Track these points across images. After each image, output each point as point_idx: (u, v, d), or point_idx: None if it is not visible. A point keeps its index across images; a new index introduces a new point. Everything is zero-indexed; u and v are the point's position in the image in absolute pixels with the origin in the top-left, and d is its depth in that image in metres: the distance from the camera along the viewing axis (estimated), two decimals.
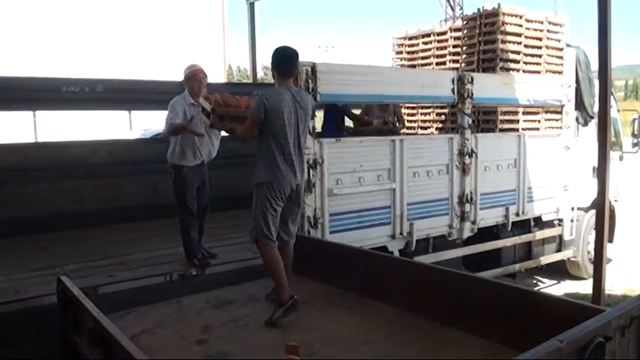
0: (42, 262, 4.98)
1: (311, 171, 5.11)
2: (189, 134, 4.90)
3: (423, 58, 8.06)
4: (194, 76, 5.00)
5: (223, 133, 5.15)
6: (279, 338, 3.54)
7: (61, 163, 6.38)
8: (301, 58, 4.33)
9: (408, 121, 8.17)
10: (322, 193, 5.24)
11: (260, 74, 14.46)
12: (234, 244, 5.37)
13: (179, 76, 5.29)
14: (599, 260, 5.20)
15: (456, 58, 7.54)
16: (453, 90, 6.15)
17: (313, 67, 5.05)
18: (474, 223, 6.50)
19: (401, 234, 5.85)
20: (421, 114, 8.24)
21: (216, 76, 13.68)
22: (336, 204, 5.36)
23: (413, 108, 8.29)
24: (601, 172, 5.11)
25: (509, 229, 6.90)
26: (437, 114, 7.96)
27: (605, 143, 5.05)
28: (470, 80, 6.20)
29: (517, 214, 6.93)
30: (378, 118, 6.89)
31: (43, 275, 4.55)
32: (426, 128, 8.14)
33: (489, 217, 6.68)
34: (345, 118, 7.09)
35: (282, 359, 2.17)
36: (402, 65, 8.26)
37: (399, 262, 4.58)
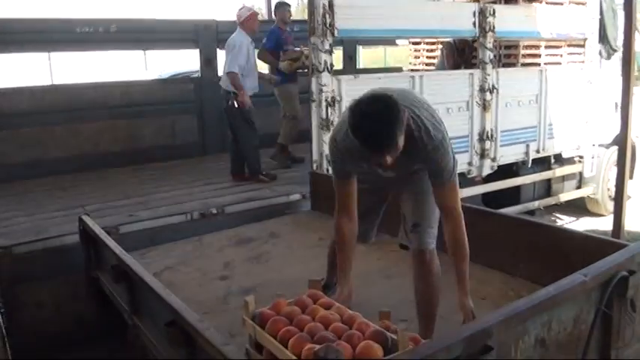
0: (63, 202, 5.05)
1: (329, 109, 5.04)
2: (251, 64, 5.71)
3: None
4: (253, 17, 5.73)
5: None
6: (300, 274, 3.57)
7: (79, 105, 6.36)
8: None
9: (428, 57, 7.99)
10: None
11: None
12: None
13: (191, 16, 5.35)
14: (619, 196, 5.14)
15: None
16: (474, 23, 5.94)
17: (330, 1, 4.89)
18: (493, 160, 6.41)
19: None
20: (426, 50, 8.09)
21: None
22: None
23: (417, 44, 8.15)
24: (624, 106, 4.97)
25: (529, 166, 6.81)
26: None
27: (629, 77, 4.89)
28: (492, 13, 5.98)
29: (537, 151, 6.82)
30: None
31: (65, 215, 4.62)
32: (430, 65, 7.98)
33: (509, 155, 6.58)
34: None
35: (305, 292, 2.19)
36: None
37: None
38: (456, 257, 2.45)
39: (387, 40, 9.66)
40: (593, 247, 2.96)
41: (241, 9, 5.83)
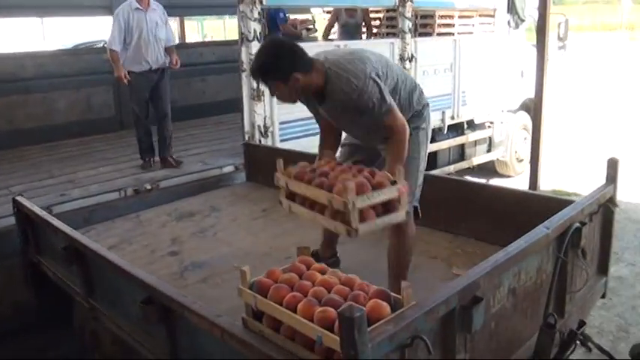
0: None
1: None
2: (137, 40, 4.93)
3: None
4: None
5: None
6: (252, 246, 3.60)
7: None
8: None
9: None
10: (271, 102, 5.17)
11: None
12: (188, 155, 5.27)
13: None
14: (534, 157, 5.52)
15: None
16: None
17: None
18: None
19: None
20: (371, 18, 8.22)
21: None
22: (284, 112, 5.30)
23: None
24: (539, 70, 5.31)
25: (445, 132, 7.12)
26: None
27: (543, 45, 5.25)
28: None
29: (452, 118, 7.14)
30: (345, 23, 7.13)
31: None
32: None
33: None
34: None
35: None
36: None
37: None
38: (389, 143, 2.61)
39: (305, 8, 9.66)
40: (532, 203, 3.20)
41: None
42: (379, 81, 2.57)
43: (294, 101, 2.78)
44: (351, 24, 7.32)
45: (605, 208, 2.71)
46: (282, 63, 2.53)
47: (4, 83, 5.96)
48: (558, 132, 10.35)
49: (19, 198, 3.58)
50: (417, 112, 2.87)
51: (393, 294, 1.73)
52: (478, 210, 3.46)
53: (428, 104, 3.02)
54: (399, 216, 2.37)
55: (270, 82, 2.63)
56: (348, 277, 1.87)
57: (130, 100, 5.24)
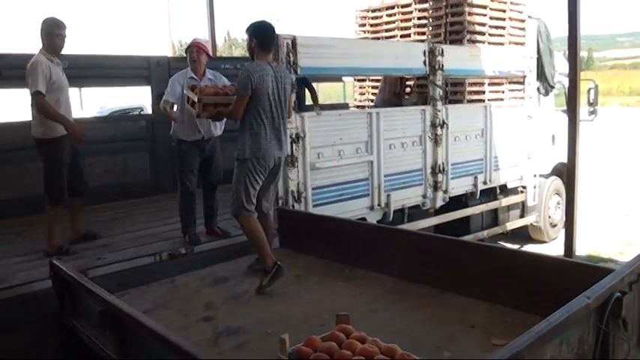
0: (21, 247, 4.81)
1: (294, 145, 5.11)
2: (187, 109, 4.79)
3: (387, 30, 8.09)
4: (187, 49, 5.09)
5: None
6: (285, 312, 3.58)
7: (29, 143, 6.11)
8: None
9: (373, 94, 8.27)
10: (305, 167, 5.25)
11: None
12: (221, 220, 5.30)
13: (124, 51, 5.25)
14: (570, 222, 5.44)
15: (420, 30, 7.62)
16: (424, 62, 6.23)
17: (294, 40, 5.01)
18: (445, 192, 6.65)
19: (379, 205, 5.94)
20: (371, 87, 8.55)
21: (162, 50, 13.35)
22: (318, 177, 5.38)
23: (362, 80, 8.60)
24: (571, 136, 5.31)
25: (478, 197, 7.10)
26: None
27: (575, 110, 5.26)
28: (440, 52, 6.29)
29: (485, 183, 7.12)
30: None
31: (27, 261, 4.42)
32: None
33: (460, 186, 6.85)
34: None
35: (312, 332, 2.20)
36: (365, 38, 8.29)
37: (390, 231, 4.64)
38: None
39: (338, 77, 9.94)
40: (569, 271, 3.14)
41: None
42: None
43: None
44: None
45: None
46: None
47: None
48: (590, 197, 10.23)
49: (55, 261, 3.64)
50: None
51: None
52: (515, 278, 3.39)
53: None
54: None
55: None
56: (388, 347, 1.85)
57: (177, 171, 5.06)
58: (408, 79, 7.52)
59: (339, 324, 2.06)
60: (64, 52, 4.75)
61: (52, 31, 4.61)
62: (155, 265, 4.42)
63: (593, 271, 2.94)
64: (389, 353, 1.80)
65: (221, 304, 3.75)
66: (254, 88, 4.03)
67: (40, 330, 3.69)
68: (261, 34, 4.20)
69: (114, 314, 2.87)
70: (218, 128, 5.07)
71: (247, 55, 4.42)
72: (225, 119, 4.78)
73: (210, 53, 5.18)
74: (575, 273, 3.05)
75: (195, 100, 4.49)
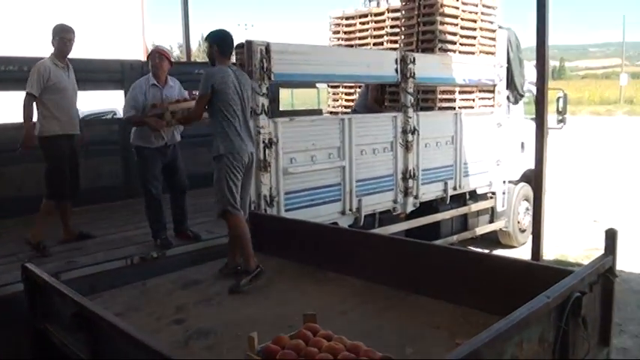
0: None
1: (267, 150, 5.17)
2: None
3: (360, 38, 8.22)
4: (149, 55, 5.18)
5: None
6: (256, 314, 3.62)
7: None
8: None
9: (347, 100, 8.40)
10: (277, 172, 5.31)
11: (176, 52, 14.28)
12: (193, 225, 5.32)
13: (98, 55, 5.25)
14: (537, 229, 5.57)
15: (393, 38, 7.75)
16: (396, 70, 6.34)
17: (267, 46, 5.08)
18: (416, 197, 6.76)
19: (350, 210, 6.02)
20: (345, 94, 8.72)
21: (135, 55, 13.28)
22: (291, 182, 5.45)
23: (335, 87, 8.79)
24: (539, 143, 5.45)
25: (448, 202, 7.22)
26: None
27: (542, 118, 5.41)
28: (412, 60, 6.42)
29: (454, 188, 7.26)
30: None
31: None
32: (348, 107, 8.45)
33: (430, 192, 6.97)
34: None
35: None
36: (339, 45, 8.40)
37: (360, 234, 4.72)
38: None
39: (312, 83, 10.01)
40: (533, 274, 3.24)
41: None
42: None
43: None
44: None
45: (604, 279, 2.77)
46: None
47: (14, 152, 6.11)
48: (559, 203, 10.47)
49: (27, 264, 3.64)
50: None
51: None
52: (480, 280, 3.49)
53: None
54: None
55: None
56: (353, 344, 1.92)
57: (140, 178, 5.05)
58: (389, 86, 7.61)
59: (306, 323, 2.12)
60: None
61: (59, 36, 4.89)
62: (127, 269, 4.44)
63: (556, 272, 3.04)
64: (353, 350, 1.87)
65: (192, 306, 3.79)
66: (216, 88, 4.21)
67: (10, 334, 3.68)
68: (221, 41, 4.39)
69: (86, 316, 2.89)
70: (178, 134, 5.16)
71: None
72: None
73: (172, 60, 5.22)
74: (539, 275, 3.14)
75: (165, 111, 4.81)
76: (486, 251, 8.32)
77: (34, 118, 4.88)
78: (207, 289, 4.12)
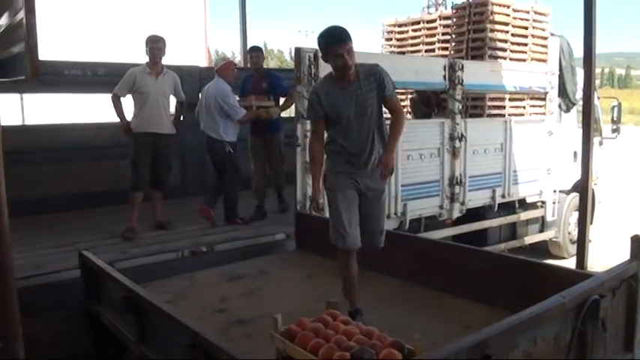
0: (52, 240, 5.15)
1: None
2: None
3: (412, 45, 8.31)
4: (229, 67, 5.92)
5: None
6: (294, 307, 3.79)
7: (65, 145, 6.51)
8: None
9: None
10: None
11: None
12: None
13: (166, 61, 5.63)
14: (581, 239, 5.51)
15: (444, 45, 7.81)
16: (444, 77, 6.41)
17: (315, 53, 5.24)
18: (462, 204, 6.79)
19: (395, 214, 6.12)
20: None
21: (198, 59, 13.78)
22: None
23: None
24: (585, 155, 5.41)
25: (496, 210, 7.20)
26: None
27: (589, 127, 5.35)
28: (460, 67, 6.47)
29: (503, 196, 7.23)
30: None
31: (57, 252, 4.75)
32: None
33: (477, 199, 6.98)
34: None
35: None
36: (391, 52, 8.52)
37: (401, 236, 4.84)
38: (393, 130, 3.70)
39: None
40: (564, 278, 3.29)
41: (217, 58, 6.18)
42: None
43: (350, 67, 3.42)
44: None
45: (628, 284, 2.80)
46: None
47: (80, 151, 6.54)
48: (617, 214, 10.22)
49: (85, 252, 3.94)
50: None
51: (407, 346, 1.91)
52: (513, 283, 3.56)
53: None
54: None
55: (349, 42, 3.37)
56: (368, 329, 2.06)
57: (234, 167, 5.81)
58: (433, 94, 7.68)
59: (328, 309, 2.28)
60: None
61: (148, 46, 5.43)
62: (177, 261, 4.71)
63: (583, 276, 3.08)
64: (367, 334, 2.01)
65: (235, 298, 4.01)
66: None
67: (66, 315, 3.99)
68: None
69: (135, 300, 3.15)
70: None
71: (282, 66, 4.66)
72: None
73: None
74: (571, 280, 3.19)
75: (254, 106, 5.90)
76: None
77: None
78: (251, 283, 4.33)
